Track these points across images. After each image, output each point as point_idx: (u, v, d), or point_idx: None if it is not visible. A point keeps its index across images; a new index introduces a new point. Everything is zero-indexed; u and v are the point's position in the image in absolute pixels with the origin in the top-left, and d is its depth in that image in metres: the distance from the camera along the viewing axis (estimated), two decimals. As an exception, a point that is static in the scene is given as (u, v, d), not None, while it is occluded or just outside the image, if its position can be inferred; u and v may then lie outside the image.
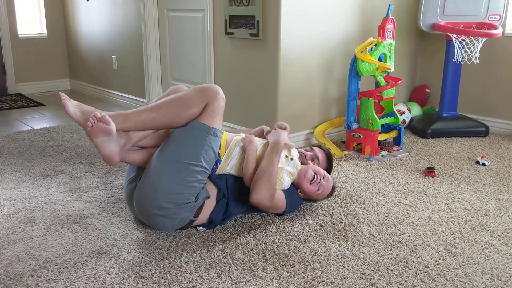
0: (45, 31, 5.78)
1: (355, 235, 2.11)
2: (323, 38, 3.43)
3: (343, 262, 1.89)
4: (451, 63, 3.65)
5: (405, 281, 1.77)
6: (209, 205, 2.12)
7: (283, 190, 2.22)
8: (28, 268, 1.84)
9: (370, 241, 2.06)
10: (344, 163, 3.09)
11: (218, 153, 2.14)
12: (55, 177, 2.84)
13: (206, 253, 1.95)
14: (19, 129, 4.02)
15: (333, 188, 2.37)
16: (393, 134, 3.35)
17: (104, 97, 5.33)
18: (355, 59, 3.16)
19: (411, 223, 2.24)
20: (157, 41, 4.38)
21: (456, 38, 3.49)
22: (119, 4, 4.77)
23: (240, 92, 3.56)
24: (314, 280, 1.77)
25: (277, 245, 2.02)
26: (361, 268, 1.85)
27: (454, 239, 2.09)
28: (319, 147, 2.58)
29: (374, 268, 1.85)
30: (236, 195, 2.19)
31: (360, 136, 3.26)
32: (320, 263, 1.88)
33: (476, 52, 3.50)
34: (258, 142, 2.26)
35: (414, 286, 1.74)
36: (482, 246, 2.02)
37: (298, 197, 2.30)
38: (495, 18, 3.62)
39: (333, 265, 1.87)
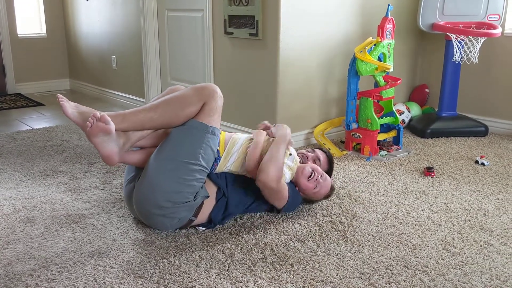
0: (44, 31, 5.78)
1: (354, 235, 2.11)
2: (322, 38, 3.43)
3: (342, 261, 1.89)
4: (450, 63, 3.66)
5: (404, 280, 1.77)
6: (209, 205, 2.12)
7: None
8: (28, 268, 1.84)
9: (369, 241, 2.06)
10: (343, 163, 3.09)
11: (218, 151, 2.14)
12: (55, 176, 2.84)
13: (205, 252, 1.96)
14: (19, 129, 4.02)
15: (332, 189, 2.37)
16: (393, 134, 3.36)
17: (103, 97, 5.33)
18: (354, 59, 3.17)
19: (410, 222, 2.24)
20: (157, 41, 4.38)
21: (455, 38, 3.49)
22: (118, 4, 4.77)
23: (239, 92, 3.56)
24: (313, 279, 1.77)
25: (276, 245, 2.02)
26: (360, 268, 1.85)
27: (453, 238, 2.09)
28: (321, 149, 2.58)
29: (373, 268, 1.85)
30: (236, 194, 2.19)
31: (359, 136, 3.26)
32: (319, 262, 1.89)
33: (475, 52, 3.50)
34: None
35: (413, 285, 1.74)
36: (481, 246, 2.03)
37: (299, 194, 2.31)
38: (495, 18, 3.62)
39: (332, 264, 1.87)
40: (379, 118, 3.27)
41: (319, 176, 2.29)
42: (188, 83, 4.00)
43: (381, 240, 2.07)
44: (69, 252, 1.96)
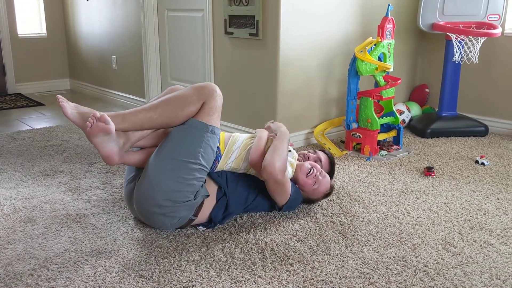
0: (44, 31, 5.78)
1: (354, 235, 2.12)
2: (322, 38, 3.44)
3: (343, 261, 1.90)
4: (450, 62, 3.66)
5: (404, 280, 1.77)
6: (209, 204, 2.13)
7: None
8: (28, 267, 1.85)
9: (369, 241, 2.06)
10: (343, 163, 3.09)
11: (218, 148, 2.15)
12: (55, 176, 2.84)
13: (205, 252, 1.96)
14: (19, 128, 4.02)
15: (331, 188, 2.38)
16: (393, 133, 3.36)
17: (103, 97, 5.33)
18: (354, 59, 3.17)
19: (410, 222, 2.25)
20: (157, 41, 4.38)
21: (455, 38, 3.49)
22: (118, 4, 4.78)
23: (239, 92, 3.56)
24: (313, 279, 1.77)
25: (276, 245, 2.02)
26: (360, 267, 1.85)
27: (453, 238, 2.09)
28: (323, 150, 2.59)
29: (373, 267, 1.85)
30: (237, 193, 2.20)
31: (359, 136, 3.26)
32: (320, 262, 1.89)
33: (475, 52, 3.50)
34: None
35: (413, 285, 1.74)
36: (481, 246, 2.03)
37: (299, 192, 2.32)
38: (495, 18, 3.62)
39: (333, 264, 1.87)
40: (379, 118, 3.27)
41: (318, 173, 2.30)
42: (188, 83, 4.00)
43: (381, 240, 2.07)
44: (69, 251, 1.97)
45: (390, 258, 1.92)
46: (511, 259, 1.92)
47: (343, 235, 2.11)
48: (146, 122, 2.04)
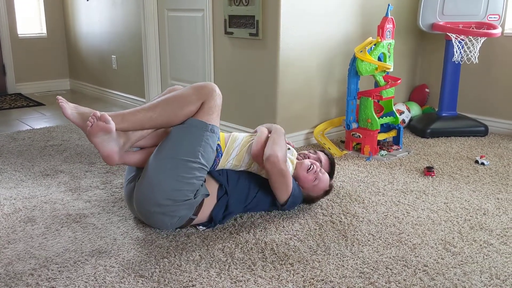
0: (45, 31, 5.78)
1: (354, 234, 2.12)
2: (322, 38, 3.44)
3: (342, 261, 1.90)
4: (450, 63, 3.66)
5: (404, 280, 1.77)
6: (209, 203, 2.13)
7: None
8: (28, 267, 1.85)
9: (369, 240, 2.06)
10: (343, 163, 3.09)
11: (219, 145, 2.16)
12: (55, 176, 2.84)
13: (205, 252, 1.96)
14: (19, 128, 4.02)
15: (331, 186, 2.39)
16: (393, 133, 3.36)
17: (103, 97, 5.33)
18: (354, 59, 3.17)
19: (410, 222, 2.25)
20: (157, 41, 4.38)
21: (455, 38, 3.49)
22: (118, 4, 4.78)
23: (239, 92, 3.57)
24: (313, 279, 1.77)
25: (276, 244, 2.02)
26: (360, 267, 1.85)
27: (453, 238, 2.09)
28: (323, 151, 2.59)
29: (373, 267, 1.85)
30: (237, 191, 2.20)
31: (359, 136, 3.26)
32: (320, 262, 1.89)
33: (475, 52, 3.50)
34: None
35: (413, 285, 1.74)
36: (481, 245, 2.03)
37: (300, 190, 2.33)
38: (494, 18, 3.63)
39: (332, 264, 1.88)
40: (379, 118, 3.27)
41: (318, 170, 2.32)
42: (188, 83, 4.00)
43: (381, 240, 2.07)
44: (69, 251, 1.97)
45: (390, 257, 1.92)
46: (511, 259, 1.93)
47: (343, 235, 2.11)
48: (146, 121, 2.04)
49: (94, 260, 1.89)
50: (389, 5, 3.23)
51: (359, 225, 2.21)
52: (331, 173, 2.52)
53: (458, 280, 1.77)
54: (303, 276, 1.79)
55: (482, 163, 3.06)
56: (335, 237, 2.10)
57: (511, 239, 2.08)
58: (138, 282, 1.75)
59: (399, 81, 3.27)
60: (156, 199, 2.01)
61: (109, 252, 1.96)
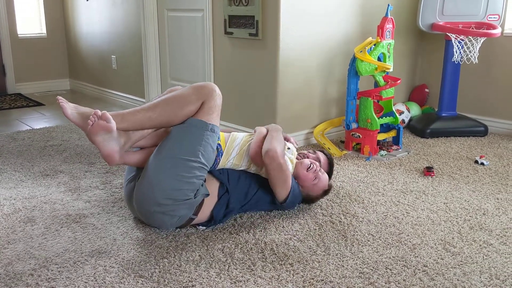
0: (44, 31, 5.78)
1: (354, 235, 2.12)
2: (322, 38, 3.44)
3: (342, 261, 1.90)
4: (450, 63, 3.66)
5: (403, 280, 1.77)
6: (210, 203, 2.13)
7: None
8: (28, 267, 1.85)
9: (369, 241, 2.07)
10: (343, 163, 3.09)
11: (219, 144, 2.16)
12: (55, 176, 2.84)
13: (205, 252, 1.96)
14: (19, 129, 4.02)
15: (330, 186, 2.40)
16: (392, 133, 3.36)
17: (103, 97, 5.33)
18: (354, 59, 3.17)
19: (410, 222, 2.25)
20: (157, 41, 4.38)
21: (455, 38, 3.49)
22: (118, 4, 4.78)
23: (239, 92, 3.57)
24: (313, 279, 1.77)
25: (276, 244, 2.02)
26: (360, 267, 1.85)
27: (453, 238, 2.09)
28: (322, 151, 2.60)
29: (373, 267, 1.85)
30: (238, 189, 2.21)
31: (359, 136, 3.27)
32: (319, 262, 1.89)
33: (475, 52, 3.50)
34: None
35: (413, 285, 1.74)
36: (480, 245, 2.03)
37: (299, 188, 2.33)
38: (494, 18, 3.63)
39: (332, 264, 1.88)
40: (378, 118, 3.27)
41: (318, 169, 2.32)
42: (188, 83, 4.00)
43: (380, 240, 2.07)
44: (69, 251, 1.97)
45: (390, 258, 1.92)
46: (511, 259, 1.93)
47: (343, 235, 2.11)
48: (146, 121, 2.05)
49: (93, 260, 1.90)
50: (388, 5, 3.23)
51: (359, 225, 2.21)
52: (329, 173, 2.53)
53: (458, 280, 1.77)
54: (302, 276, 1.79)
55: (482, 163, 3.06)
56: (335, 237, 2.10)
57: (510, 239, 2.08)
58: (138, 282, 1.75)
59: (398, 81, 3.27)
60: (156, 198, 2.01)
61: (109, 252, 1.96)
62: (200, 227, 2.15)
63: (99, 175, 2.86)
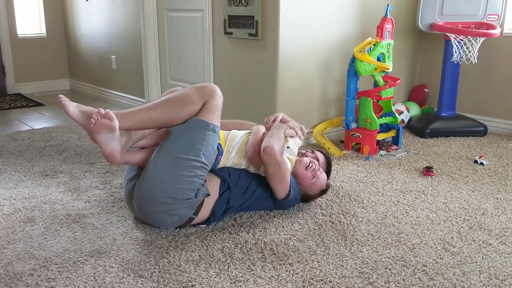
0: (44, 31, 5.79)
1: (353, 234, 2.12)
2: (322, 38, 3.44)
3: (342, 261, 1.90)
4: (449, 63, 3.66)
5: (403, 279, 1.77)
6: (210, 202, 2.14)
7: None
8: (28, 267, 1.85)
9: (368, 240, 2.07)
10: (343, 163, 3.10)
11: (220, 144, 2.17)
12: (55, 176, 2.84)
13: (205, 252, 1.96)
14: (19, 129, 4.02)
15: (328, 186, 2.40)
16: (392, 133, 3.36)
17: (103, 97, 5.33)
18: (353, 59, 3.17)
19: (409, 222, 2.25)
20: (156, 41, 4.39)
21: (454, 38, 3.49)
22: (118, 4, 4.78)
23: (239, 92, 3.57)
24: (312, 279, 1.78)
25: (276, 244, 2.03)
26: (360, 267, 1.86)
27: (452, 238, 2.10)
28: (320, 151, 2.60)
29: (372, 267, 1.86)
30: (238, 186, 2.21)
31: (358, 136, 3.27)
32: (319, 262, 1.89)
33: (474, 52, 3.51)
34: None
35: (412, 285, 1.75)
36: (480, 245, 2.03)
37: (298, 185, 2.33)
38: (494, 18, 3.63)
39: (332, 264, 1.88)
40: (378, 118, 3.27)
41: (316, 168, 2.33)
42: (188, 83, 4.01)
43: (380, 240, 2.07)
44: (69, 251, 1.97)
45: (389, 257, 1.93)
46: (510, 258, 1.93)
47: (342, 235, 2.11)
48: (148, 120, 2.05)
49: (93, 260, 1.90)
50: (388, 5, 3.23)
51: (358, 225, 2.21)
52: (328, 172, 2.53)
53: (457, 280, 1.78)
54: (302, 276, 1.79)
55: (481, 163, 3.06)
56: (335, 237, 2.10)
57: (510, 239, 2.09)
58: (138, 282, 1.75)
59: (398, 81, 3.27)
60: (156, 197, 2.02)
61: (109, 252, 1.96)
62: (200, 225, 2.16)
63: (98, 175, 2.86)
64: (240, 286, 1.73)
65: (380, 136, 3.30)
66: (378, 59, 3.21)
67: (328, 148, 3.27)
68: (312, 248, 2.00)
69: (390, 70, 3.23)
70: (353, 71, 3.21)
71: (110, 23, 4.97)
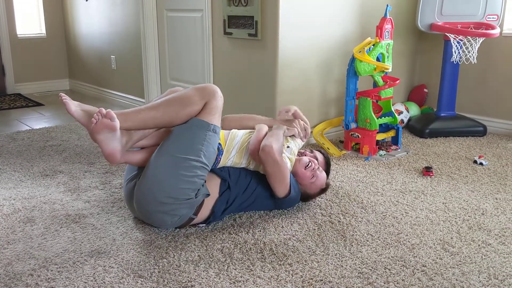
0: (44, 31, 5.79)
1: (353, 235, 2.12)
2: (321, 38, 3.44)
3: (341, 261, 1.90)
4: (449, 63, 3.67)
5: (402, 280, 1.78)
6: (210, 203, 2.14)
7: None
8: (28, 268, 1.85)
9: (368, 241, 2.07)
10: (342, 163, 3.10)
11: (220, 144, 2.17)
12: (54, 177, 2.85)
13: (204, 252, 1.96)
14: (18, 129, 4.02)
15: (327, 185, 2.41)
16: (391, 133, 3.37)
17: (103, 97, 5.34)
18: (353, 59, 3.17)
19: (408, 222, 2.25)
20: (156, 41, 4.39)
21: (454, 38, 3.50)
22: (118, 4, 4.78)
23: (238, 92, 3.57)
24: (312, 279, 1.78)
25: (275, 244, 2.03)
26: (359, 267, 1.86)
27: (452, 238, 2.10)
28: (319, 151, 2.61)
29: (372, 267, 1.86)
30: (238, 186, 2.22)
31: (358, 136, 3.27)
32: (318, 262, 1.90)
33: (474, 52, 3.51)
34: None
35: (412, 285, 1.75)
36: (479, 245, 2.03)
37: (298, 185, 2.33)
38: (493, 18, 3.63)
39: (331, 264, 1.88)
40: (378, 118, 3.27)
41: (316, 167, 2.34)
42: (187, 83, 4.01)
43: (379, 240, 2.08)
44: (69, 252, 1.97)
45: (389, 258, 1.93)
46: (509, 258, 1.93)
47: (342, 235, 2.12)
48: (149, 120, 2.06)
49: (93, 261, 1.90)
50: (387, 5, 3.23)
51: (358, 225, 2.21)
52: (327, 172, 2.53)
53: (457, 280, 1.78)
54: (302, 277, 1.79)
55: (481, 163, 3.06)
56: (334, 237, 2.10)
57: (509, 239, 2.09)
58: (137, 282, 1.75)
59: (397, 81, 3.27)
60: (157, 197, 2.02)
61: (108, 253, 1.96)
62: (200, 225, 2.16)
63: (98, 175, 2.86)
64: (240, 286, 1.73)
65: (380, 136, 3.30)
66: (378, 59, 3.22)
67: (328, 148, 3.27)
68: (311, 248, 2.00)
69: (390, 70, 3.23)
70: (352, 71, 3.21)
71: (110, 23, 4.97)
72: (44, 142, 3.57)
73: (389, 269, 1.84)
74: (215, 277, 1.79)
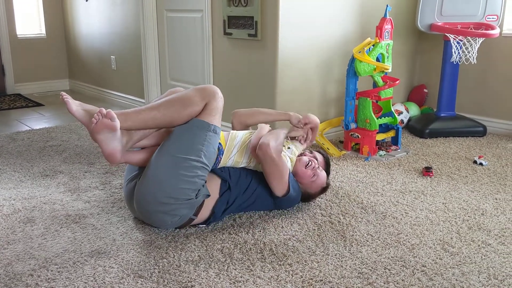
0: (44, 31, 5.79)
1: (353, 235, 2.12)
2: (321, 38, 3.44)
3: (341, 261, 1.90)
4: (448, 63, 3.67)
5: (402, 280, 1.78)
6: (210, 203, 2.14)
7: None
8: (28, 268, 1.85)
9: (367, 241, 2.07)
10: (342, 163, 3.10)
11: (220, 144, 2.18)
12: (54, 177, 2.85)
13: (204, 252, 1.97)
14: (18, 129, 4.02)
15: (328, 184, 2.41)
16: (391, 134, 3.37)
17: (103, 97, 5.34)
18: (353, 60, 3.17)
19: (408, 222, 2.25)
20: (156, 42, 4.39)
21: (453, 39, 3.50)
22: (118, 5, 4.78)
23: (238, 93, 3.57)
24: (312, 279, 1.78)
25: (275, 245, 2.03)
26: (359, 268, 1.86)
27: (451, 238, 2.10)
28: (319, 151, 2.61)
29: (371, 268, 1.86)
30: (238, 186, 2.22)
31: (358, 136, 3.27)
32: (318, 262, 1.90)
33: (473, 52, 3.51)
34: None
35: (411, 285, 1.75)
36: (479, 246, 2.04)
37: (298, 184, 2.33)
38: (493, 18, 3.63)
39: (331, 264, 1.88)
40: (377, 118, 3.28)
41: (316, 166, 2.34)
42: (187, 83, 4.01)
43: (379, 240, 2.08)
44: (69, 252, 1.97)
45: (389, 258, 1.93)
46: (509, 259, 1.93)
47: (342, 235, 2.12)
48: (149, 121, 2.06)
49: (93, 261, 1.90)
50: (387, 6, 3.23)
51: (358, 226, 2.21)
52: (327, 171, 2.54)
53: (456, 280, 1.78)
54: (301, 277, 1.79)
55: (481, 164, 3.06)
56: (334, 237, 2.10)
57: (509, 239, 2.09)
58: (137, 282, 1.76)
59: (397, 82, 3.27)
60: (157, 197, 2.02)
61: (108, 253, 1.96)
62: (200, 225, 2.16)
63: (98, 176, 2.86)
64: (240, 286, 1.74)
65: (380, 137, 3.30)
66: (378, 60, 3.22)
67: (328, 149, 3.27)
68: (311, 248, 2.00)
69: (390, 70, 3.23)
70: (352, 71, 3.21)
71: (109, 23, 4.98)
72: (44, 142, 3.57)
73: (389, 269, 1.84)
74: (215, 277, 1.79)
